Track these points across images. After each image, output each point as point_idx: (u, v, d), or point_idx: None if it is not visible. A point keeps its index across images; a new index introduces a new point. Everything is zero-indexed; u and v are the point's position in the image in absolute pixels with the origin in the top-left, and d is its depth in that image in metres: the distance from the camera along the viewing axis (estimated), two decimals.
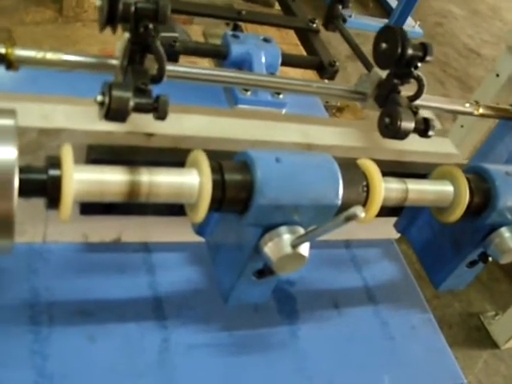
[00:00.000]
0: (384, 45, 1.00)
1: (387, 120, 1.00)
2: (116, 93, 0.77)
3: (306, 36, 1.54)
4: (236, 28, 1.48)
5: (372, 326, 1.09)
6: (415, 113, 1.00)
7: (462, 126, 2.48)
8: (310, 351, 1.00)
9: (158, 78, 0.85)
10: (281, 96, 1.31)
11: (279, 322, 1.02)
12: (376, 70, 1.07)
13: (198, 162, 0.71)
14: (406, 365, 1.05)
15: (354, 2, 5.06)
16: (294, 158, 0.76)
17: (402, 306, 1.15)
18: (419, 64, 0.99)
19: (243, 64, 1.32)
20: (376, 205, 0.81)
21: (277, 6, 3.38)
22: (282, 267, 0.76)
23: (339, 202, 0.76)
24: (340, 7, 1.44)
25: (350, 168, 0.81)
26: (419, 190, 0.88)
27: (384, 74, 1.06)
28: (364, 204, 0.82)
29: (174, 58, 1.26)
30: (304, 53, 1.56)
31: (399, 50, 0.96)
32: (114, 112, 0.78)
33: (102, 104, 0.79)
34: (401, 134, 0.99)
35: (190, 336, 0.94)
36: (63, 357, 0.85)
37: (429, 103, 1.15)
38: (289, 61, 1.42)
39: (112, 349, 0.89)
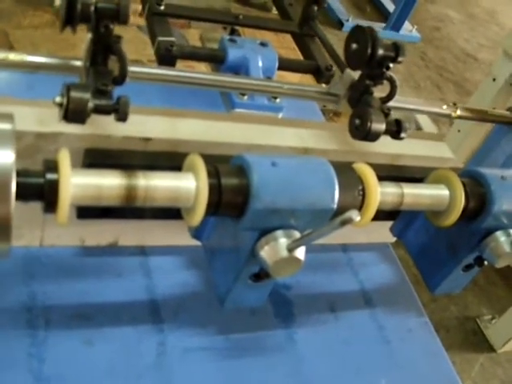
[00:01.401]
0: (354, 45, 0.99)
1: (357, 121, 0.99)
2: (74, 94, 0.77)
3: (302, 40, 1.55)
4: (233, 32, 1.49)
5: (368, 329, 1.09)
6: (387, 114, 0.99)
7: (458, 131, 2.49)
8: (306, 355, 1.00)
9: (119, 79, 0.84)
10: (277, 100, 1.31)
11: (276, 325, 1.02)
12: (349, 71, 1.05)
13: (194, 166, 0.72)
14: (402, 368, 1.06)
15: (352, 6, 5.08)
16: (289, 162, 0.76)
17: (399, 309, 1.15)
18: (391, 64, 0.98)
19: (240, 68, 1.32)
20: (372, 209, 0.82)
21: (274, 11, 3.39)
22: (278, 271, 0.76)
23: (335, 206, 0.77)
24: (315, 8, 1.43)
25: (345, 172, 0.81)
26: (415, 194, 0.88)
27: (356, 75, 1.04)
28: (360, 208, 0.82)
29: (171, 62, 1.26)
30: (301, 57, 1.57)
31: (369, 51, 0.95)
32: (73, 113, 0.78)
33: (60, 105, 0.78)
34: (371, 136, 0.97)
35: (187, 339, 0.94)
36: (60, 360, 0.85)
37: (404, 105, 1.15)
38: (286, 65, 1.43)
39: (109, 352, 0.89)
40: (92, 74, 0.84)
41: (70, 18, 0.79)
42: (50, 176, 0.64)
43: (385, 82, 1.01)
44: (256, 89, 1.15)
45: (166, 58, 1.26)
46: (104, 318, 0.92)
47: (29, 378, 0.82)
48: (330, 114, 3.58)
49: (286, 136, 1.02)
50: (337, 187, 0.77)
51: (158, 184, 0.69)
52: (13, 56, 0.84)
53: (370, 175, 0.82)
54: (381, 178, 0.86)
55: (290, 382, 0.96)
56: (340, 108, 1.09)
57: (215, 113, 1.06)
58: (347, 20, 4.68)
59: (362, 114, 0.98)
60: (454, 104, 1.21)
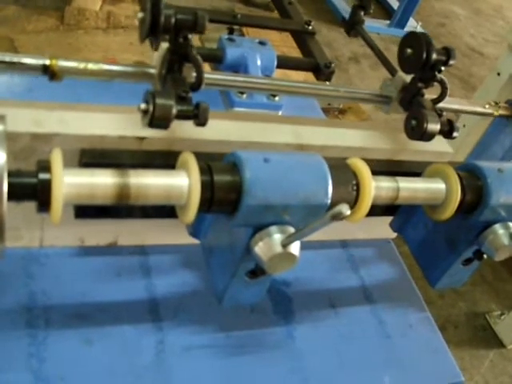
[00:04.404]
0: (409, 50, 1.03)
1: (413, 122, 1.03)
2: (160, 101, 0.80)
3: (302, 38, 1.55)
4: (232, 32, 1.49)
5: (369, 325, 1.09)
6: (440, 115, 1.02)
7: (464, 126, 2.48)
8: (306, 351, 1.00)
9: (196, 86, 0.87)
10: (276, 98, 1.31)
11: (275, 322, 1.03)
12: (400, 74, 1.10)
13: (186, 164, 0.72)
14: (403, 364, 1.05)
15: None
16: (282, 158, 0.76)
17: (400, 304, 1.15)
18: (443, 68, 1.02)
19: (239, 67, 1.33)
20: (366, 203, 0.82)
21: None
22: (273, 267, 0.76)
23: (329, 202, 0.77)
24: (362, 13, 1.47)
25: (339, 167, 0.81)
26: (411, 188, 0.88)
27: (407, 77, 1.08)
28: (355, 203, 0.82)
29: None
30: None
31: (424, 56, 0.99)
32: (158, 120, 0.81)
33: (145, 112, 0.81)
34: (427, 136, 1.01)
35: (187, 338, 0.95)
36: (60, 360, 0.86)
37: (450, 105, 1.17)
38: (285, 63, 1.43)
39: (109, 351, 0.89)
40: (170, 82, 0.87)
41: (154, 30, 0.83)
42: (43, 176, 0.65)
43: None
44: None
45: None
46: (103, 318, 0.93)
47: (29, 377, 0.82)
48: (335, 112, 3.58)
49: (283, 133, 1.02)
50: (330, 182, 0.77)
51: (150, 182, 0.70)
52: (91, 66, 0.88)
53: (364, 170, 0.82)
54: (379, 173, 0.86)
55: (290, 379, 0.96)
56: (391, 109, 1.13)
57: (212, 111, 1.06)
58: None
59: (417, 115, 1.02)
60: (496, 103, 1.25)
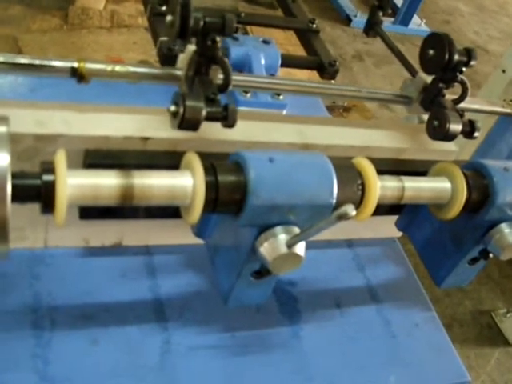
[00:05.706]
0: (431, 51, 1.04)
1: (435, 123, 1.03)
2: (190, 103, 0.80)
3: (305, 36, 1.54)
4: (236, 30, 1.48)
5: (375, 324, 1.08)
6: (461, 115, 1.03)
7: None
8: (312, 351, 1.00)
9: (224, 87, 0.87)
10: (281, 97, 1.31)
11: (281, 322, 1.02)
12: (421, 74, 1.11)
13: (191, 164, 0.72)
14: (409, 363, 1.05)
15: (360, 2, 5.06)
16: (287, 157, 0.76)
17: (405, 304, 1.14)
18: (464, 68, 1.03)
19: (243, 66, 1.32)
20: (371, 203, 0.81)
21: None
22: (278, 267, 0.76)
23: (334, 202, 0.76)
24: (380, 14, 1.47)
25: (344, 167, 0.81)
26: (416, 187, 0.88)
27: (428, 78, 1.09)
28: (360, 202, 0.82)
29: (172, 61, 1.26)
30: None
31: (446, 57, 1.00)
32: (188, 122, 0.81)
33: (174, 114, 0.82)
34: (449, 136, 1.02)
35: (192, 338, 0.95)
36: (65, 360, 0.86)
37: (470, 105, 1.18)
38: (289, 62, 1.43)
39: (114, 352, 0.89)
40: (197, 84, 0.88)
41: (183, 32, 0.84)
42: (47, 177, 0.64)
43: None
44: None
45: (168, 57, 1.26)
46: (109, 318, 0.93)
47: (34, 378, 0.83)
48: (340, 110, 3.57)
49: (288, 132, 1.02)
50: (335, 182, 0.76)
51: (155, 183, 0.69)
52: (118, 68, 0.89)
53: (369, 169, 0.81)
54: (384, 172, 0.85)
55: (295, 379, 0.96)
56: (412, 110, 1.14)
57: None
58: (355, 16, 4.67)
59: (439, 115, 1.03)
60: None
